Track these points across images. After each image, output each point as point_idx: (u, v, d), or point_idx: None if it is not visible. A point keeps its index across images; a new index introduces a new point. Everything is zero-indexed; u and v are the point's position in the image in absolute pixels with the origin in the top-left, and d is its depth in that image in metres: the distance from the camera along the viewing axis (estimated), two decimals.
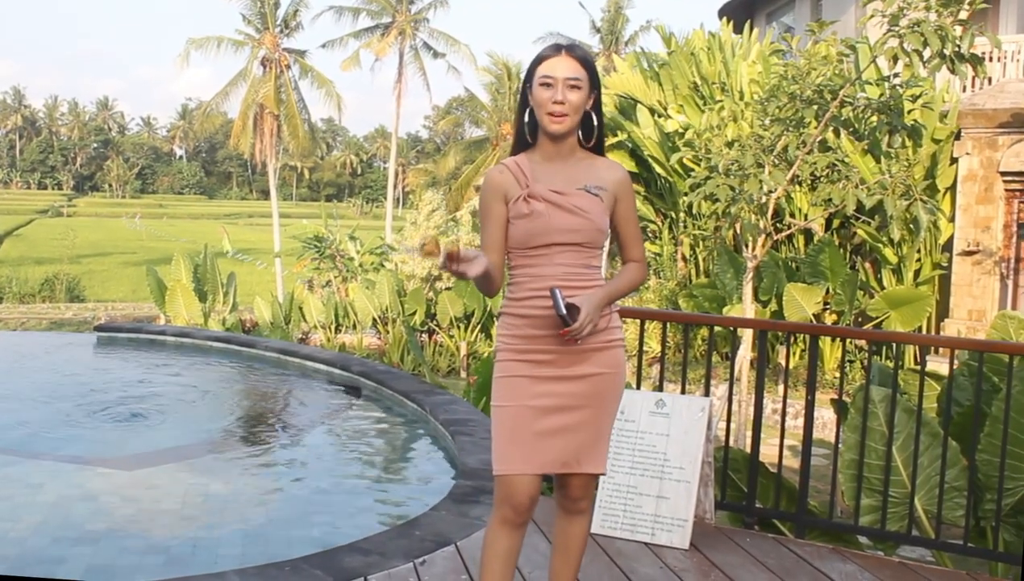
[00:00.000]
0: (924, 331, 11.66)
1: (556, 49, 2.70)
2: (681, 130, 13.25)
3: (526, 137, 2.78)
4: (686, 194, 9.41)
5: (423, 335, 14.41)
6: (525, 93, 2.76)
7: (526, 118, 2.77)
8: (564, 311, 2.59)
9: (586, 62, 2.70)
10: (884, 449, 4.32)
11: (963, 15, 7.02)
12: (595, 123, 2.76)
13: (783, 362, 7.60)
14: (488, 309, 13.85)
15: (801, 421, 4.71)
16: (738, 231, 8.24)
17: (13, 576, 4.14)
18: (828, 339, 11.15)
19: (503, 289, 2.84)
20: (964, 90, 12.77)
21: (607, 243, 2.93)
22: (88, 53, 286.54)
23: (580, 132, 2.76)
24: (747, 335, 7.75)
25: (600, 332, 2.74)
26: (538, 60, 2.71)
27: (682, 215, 14.68)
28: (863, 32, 9.02)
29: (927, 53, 6.84)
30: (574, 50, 2.70)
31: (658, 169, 14.62)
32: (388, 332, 14.05)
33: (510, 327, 2.76)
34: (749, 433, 4.89)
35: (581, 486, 2.81)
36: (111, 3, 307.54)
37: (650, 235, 16.05)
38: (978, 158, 11.48)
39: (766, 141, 7.76)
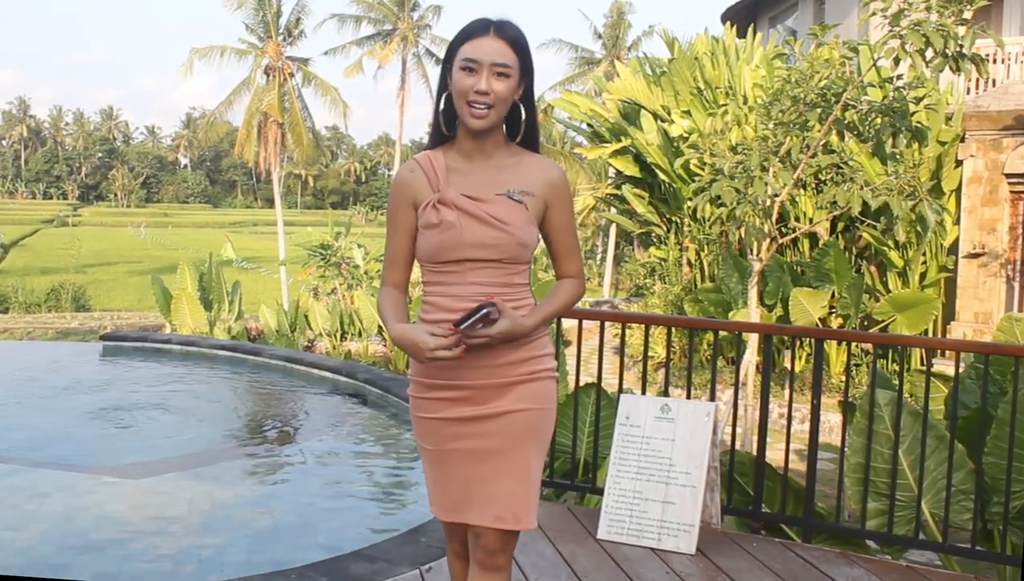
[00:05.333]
0: (930, 334, 11.64)
1: (484, 27, 2.23)
2: (686, 135, 13.25)
3: (442, 128, 2.33)
4: (690, 199, 9.40)
5: None
6: (444, 75, 2.30)
7: (442, 105, 2.31)
8: (465, 323, 2.16)
9: (518, 44, 2.24)
10: (890, 452, 4.30)
11: (967, 15, 7.00)
12: (523, 117, 2.31)
13: (789, 366, 7.58)
14: None
15: (807, 425, 4.69)
16: (743, 235, 8.21)
17: (24, 577, 4.15)
18: (834, 343, 11.15)
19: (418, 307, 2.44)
20: (968, 92, 12.75)
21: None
22: (91, 61, 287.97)
23: (505, 126, 2.31)
24: (752, 339, 7.72)
25: (525, 362, 2.32)
26: (462, 37, 2.24)
27: (687, 220, 14.67)
28: (866, 35, 9.00)
29: (929, 53, 6.82)
30: (505, 29, 2.23)
31: (662, 174, 14.62)
32: None
33: None
34: (755, 438, 4.88)
35: (501, 538, 2.32)
36: (114, 11, 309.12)
37: (655, 240, 16.04)
38: (983, 160, 11.45)
39: (771, 143, 7.74)
